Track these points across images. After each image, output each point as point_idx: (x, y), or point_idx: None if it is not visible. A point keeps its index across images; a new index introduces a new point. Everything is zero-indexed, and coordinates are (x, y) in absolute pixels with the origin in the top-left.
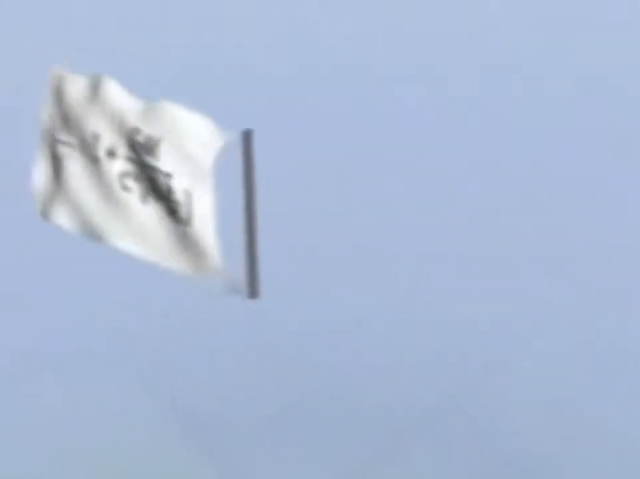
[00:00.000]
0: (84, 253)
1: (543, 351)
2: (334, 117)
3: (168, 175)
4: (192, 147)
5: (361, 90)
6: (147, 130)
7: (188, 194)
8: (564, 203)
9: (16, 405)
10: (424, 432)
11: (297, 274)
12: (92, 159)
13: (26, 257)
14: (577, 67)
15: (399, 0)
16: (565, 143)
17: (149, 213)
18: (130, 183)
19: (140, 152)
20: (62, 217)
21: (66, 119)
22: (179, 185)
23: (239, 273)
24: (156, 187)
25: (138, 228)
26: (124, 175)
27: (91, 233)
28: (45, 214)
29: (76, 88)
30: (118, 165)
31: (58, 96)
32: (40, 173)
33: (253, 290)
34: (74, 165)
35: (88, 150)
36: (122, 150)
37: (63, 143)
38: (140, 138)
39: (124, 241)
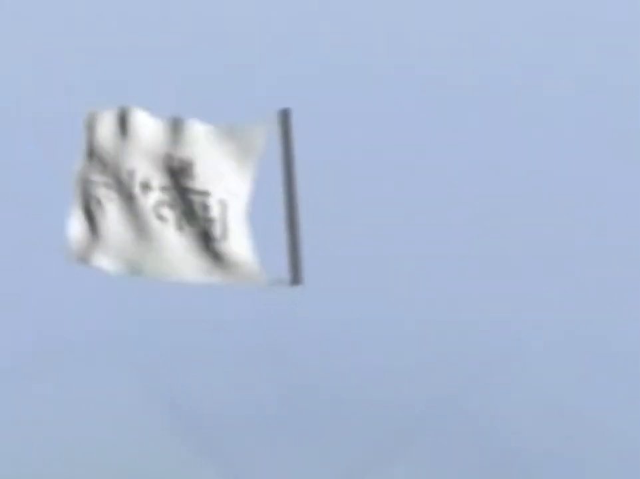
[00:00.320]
0: None
1: (543, 351)
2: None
3: (205, 193)
4: (226, 161)
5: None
6: (179, 153)
7: (224, 206)
8: (564, 203)
9: (16, 405)
10: (424, 432)
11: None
12: (128, 197)
13: (26, 257)
14: (577, 67)
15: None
16: (565, 143)
17: (186, 239)
18: (165, 212)
19: (175, 177)
20: (99, 261)
21: (101, 159)
22: (215, 201)
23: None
24: (191, 210)
25: (175, 256)
26: (159, 205)
27: (130, 270)
28: (82, 261)
29: (106, 125)
30: (153, 197)
31: (91, 136)
32: (75, 222)
33: (295, 276)
34: (111, 206)
35: (124, 188)
36: (157, 180)
37: (99, 184)
38: (174, 163)
39: (163, 271)
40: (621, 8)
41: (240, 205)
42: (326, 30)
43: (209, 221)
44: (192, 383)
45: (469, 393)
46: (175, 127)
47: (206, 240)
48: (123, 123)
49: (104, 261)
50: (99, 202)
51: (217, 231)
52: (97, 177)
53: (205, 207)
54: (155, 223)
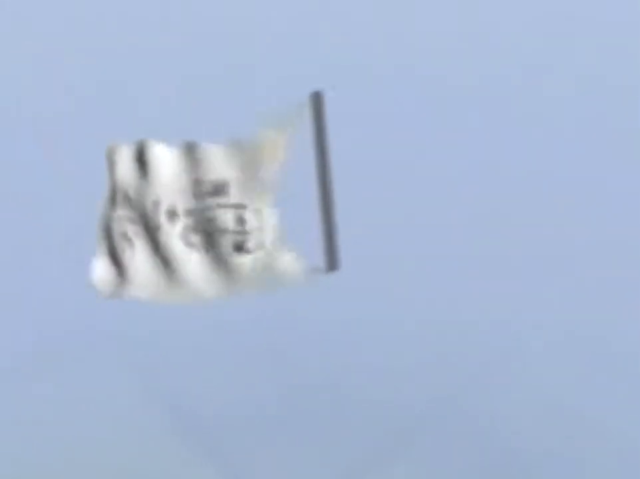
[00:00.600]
0: (84, 253)
1: (543, 351)
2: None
3: (240, 206)
4: (259, 169)
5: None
6: (209, 177)
7: (259, 213)
8: (564, 203)
9: (16, 405)
10: (424, 432)
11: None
12: (155, 228)
13: (26, 257)
14: (577, 68)
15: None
16: (564, 143)
17: (213, 259)
18: (193, 237)
19: (206, 199)
20: (130, 293)
21: (125, 194)
22: (251, 213)
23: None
24: (221, 227)
25: (207, 278)
26: (186, 230)
27: (162, 299)
28: (113, 295)
29: (125, 160)
30: (180, 224)
31: (113, 172)
32: (101, 262)
33: (332, 262)
34: (137, 241)
35: (149, 220)
36: (182, 205)
37: (124, 220)
38: (205, 187)
39: (196, 295)
40: (621, 8)
41: (274, 207)
42: (326, 30)
43: (244, 233)
44: (192, 383)
45: (469, 393)
46: (194, 152)
47: (239, 253)
48: (141, 157)
49: (133, 294)
50: (126, 238)
51: (252, 242)
52: (122, 213)
53: (241, 220)
54: (182, 249)
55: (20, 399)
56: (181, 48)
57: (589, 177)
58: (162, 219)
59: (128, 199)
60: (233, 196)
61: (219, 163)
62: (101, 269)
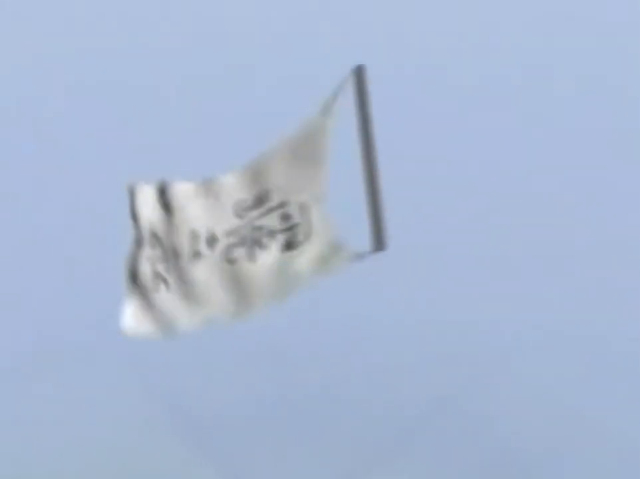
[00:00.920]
0: (82, 253)
1: (543, 351)
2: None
3: (283, 204)
4: (296, 168)
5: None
6: (251, 193)
7: (304, 207)
8: (564, 203)
9: (16, 405)
10: (424, 432)
11: None
12: (194, 257)
13: (26, 258)
14: (578, 68)
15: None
16: (564, 143)
17: (262, 266)
18: (235, 252)
19: (248, 213)
20: (160, 331)
21: (153, 234)
22: (295, 207)
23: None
24: (268, 231)
25: (258, 287)
26: (227, 249)
27: (210, 321)
28: (146, 337)
29: (149, 200)
30: (220, 246)
31: (137, 213)
32: (131, 308)
33: (379, 243)
34: (171, 276)
35: (183, 253)
36: (221, 228)
37: (155, 259)
38: (247, 203)
39: (243, 310)
40: (622, 8)
41: (321, 198)
42: (326, 30)
43: (291, 229)
44: (192, 383)
45: (469, 393)
46: (217, 182)
47: (289, 250)
48: (163, 196)
49: (167, 330)
50: (158, 277)
51: (300, 235)
52: (152, 253)
53: (286, 217)
54: (227, 269)
55: (20, 399)
56: (181, 48)
57: (590, 178)
58: (202, 247)
59: (156, 239)
60: (275, 198)
61: (252, 179)
62: (132, 314)
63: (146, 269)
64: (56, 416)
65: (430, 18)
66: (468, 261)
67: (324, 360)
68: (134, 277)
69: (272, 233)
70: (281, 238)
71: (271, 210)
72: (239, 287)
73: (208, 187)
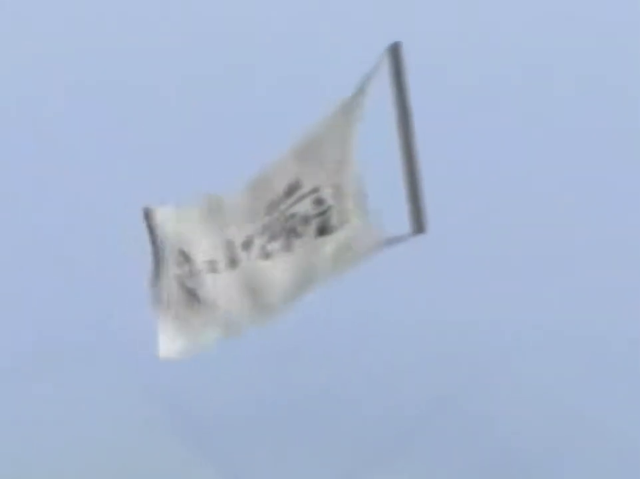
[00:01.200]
0: (82, 253)
1: (543, 351)
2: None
3: (314, 189)
4: (332, 150)
5: None
6: (282, 185)
7: (337, 189)
8: (564, 203)
9: (16, 405)
10: (424, 432)
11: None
12: (231, 265)
13: (25, 257)
14: (578, 66)
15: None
16: (563, 143)
17: (299, 254)
18: (270, 246)
19: (280, 205)
20: (199, 345)
21: (179, 252)
22: (327, 191)
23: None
24: (301, 218)
25: (296, 277)
26: (263, 246)
27: (254, 323)
28: (185, 356)
29: (168, 220)
30: (256, 245)
31: (157, 236)
32: (165, 333)
33: (418, 225)
34: (201, 291)
35: (222, 261)
36: (255, 228)
37: (183, 277)
38: (277, 196)
39: (288, 304)
40: (623, 8)
41: (353, 180)
42: (326, 30)
43: (325, 213)
44: (192, 383)
45: (469, 393)
46: (257, 182)
47: (324, 236)
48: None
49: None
50: (189, 292)
51: (335, 218)
52: (179, 271)
53: (319, 201)
54: (264, 267)
55: (20, 399)
56: (181, 48)
57: (589, 177)
58: (239, 252)
59: (184, 256)
60: (307, 185)
61: (282, 172)
62: (167, 339)
63: (172, 289)
64: (56, 416)
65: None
66: (468, 261)
67: (324, 360)
68: (159, 298)
69: (306, 219)
70: (315, 223)
71: (303, 197)
72: (277, 282)
73: (238, 194)
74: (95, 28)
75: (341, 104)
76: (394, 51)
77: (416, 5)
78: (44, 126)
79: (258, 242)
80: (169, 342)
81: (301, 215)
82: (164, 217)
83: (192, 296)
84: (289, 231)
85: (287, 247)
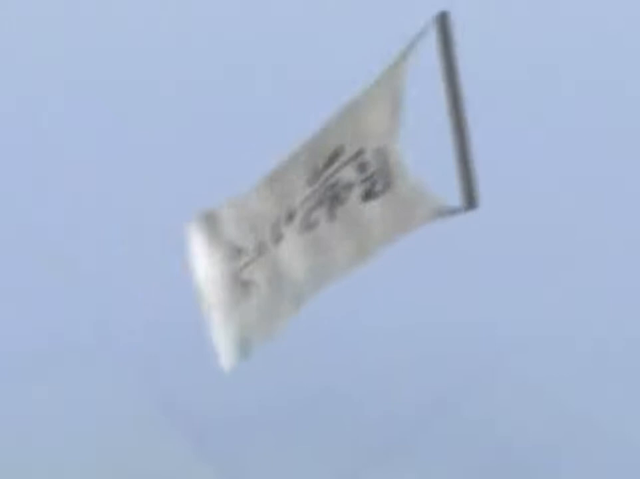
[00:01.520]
0: (82, 253)
1: (543, 351)
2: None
3: (358, 153)
4: (375, 113)
5: None
6: (324, 154)
7: (381, 153)
8: (564, 202)
9: (16, 405)
10: (424, 432)
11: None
12: (277, 241)
13: (25, 257)
14: (582, 68)
15: None
16: (564, 143)
17: (343, 222)
18: (314, 215)
19: (322, 175)
20: (262, 338)
21: (232, 248)
22: (371, 155)
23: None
24: (344, 185)
25: (341, 247)
26: (305, 216)
27: (301, 303)
28: (248, 357)
29: (226, 217)
30: (298, 217)
31: (213, 236)
32: (223, 328)
33: (470, 201)
34: (261, 274)
35: (270, 240)
36: (298, 200)
37: (241, 269)
38: (320, 165)
39: (335, 275)
40: (625, 8)
41: (397, 142)
42: (327, 30)
43: (369, 179)
44: (192, 383)
45: (469, 394)
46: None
47: (370, 200)
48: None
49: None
50: (245, 285)
51: (379, 184)
52: (232, 266)
53: (362, 167)
54: (309, 236)
55: (20, 399)
56: (181, 48)
57: (590, 177)
58: (282, 227)
59: (237, 250)
60: (349, 150)
61: (324, 139)
62: (226, 346)
63: (224, 289)
64: (56, 416)
65: None
66: (467, 262)
67: (324, 360)
68: (211, 306)
69: (349, 186)
70: (359, 189)
71: (345, 163)
72: (322, 252)
73: (277, 174)
74: (95, 28)
75: (385, 71)
76: (442, 20)
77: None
78: (45, 126)
79: (301, 212)
80: (232, 350)
81: (344, 182)
82: (203, 226)
83: (249, 286)
84: (331, 199)
85: (331, 216)
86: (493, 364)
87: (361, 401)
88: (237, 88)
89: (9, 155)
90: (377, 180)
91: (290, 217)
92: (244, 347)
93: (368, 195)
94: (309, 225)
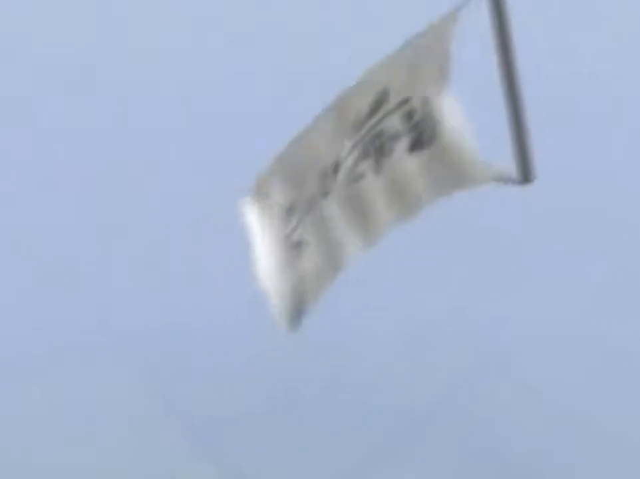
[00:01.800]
0: (82, 252)
1: (544, 351)
2: None
3: (405, 101)
4: (418, 60)
5: None
6: (368, 100)
7: (427, 101)
8: (563, 202)
9: (15, 405)
10: (424, 433)
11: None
12: (324, 196)
13: (25, 257)
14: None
15: None
16: (562, 141)
17: (391, 175)
18: (359, 167)
19: (366, 123)
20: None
21: (286, 208)
22: (417, 102)
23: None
24: (389, 135)
25: (388, 201)
26: (351, 168)
27: (352, 259)
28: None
29: (276, 180)
30: (344, 168)
31: (263, 200)
32: (281, 290)
33: (526, 174)
34: (308, 234)
35: (318, 194)
36: (343, 151)
37: (292, 231)
38: (364, 112)
39: (380, 232)
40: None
41: (446, 92)
42: (327, 29)
43: (415, 129)
44: (192, 383)
45: (469, 393)
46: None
47: (416, 153)
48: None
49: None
50: (297, 246)
51: (426, 134)
52: (287, 230)
53: (409, 115)
54: (356, 189)
55: (20, 399)
56: (181, 48)
57: (589, 176)
58: (329, 180)
59: (289, 211)
60: (395, 98)
61: (367, 86)
62: (285, 312)
63: (279, 254)
64: (56, 416)
65: None
66: (466, 260)
67: (324, 359)
68: (268, 275)
69: (395, 136)
70: (405, 140)
71: (390, 112)
72: (368, 206)
73: (318, 124)
74: (95, 28)
75: (435, 23)
76: None
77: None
78: (44, 125)
79: (347, 164)
80: (289, 315)
81: (389, 133)
82: (263, 183)
83: (301, 246)
84: (377, 150)
85: (377, 169)
86: (495, 364)
87: (363, 400)
88: (237, 88)
89: (9, 155)
90: (424, 130)
91: (336, 169)
92: (300, 311)
93: (415, 146)
94: (355, 178)
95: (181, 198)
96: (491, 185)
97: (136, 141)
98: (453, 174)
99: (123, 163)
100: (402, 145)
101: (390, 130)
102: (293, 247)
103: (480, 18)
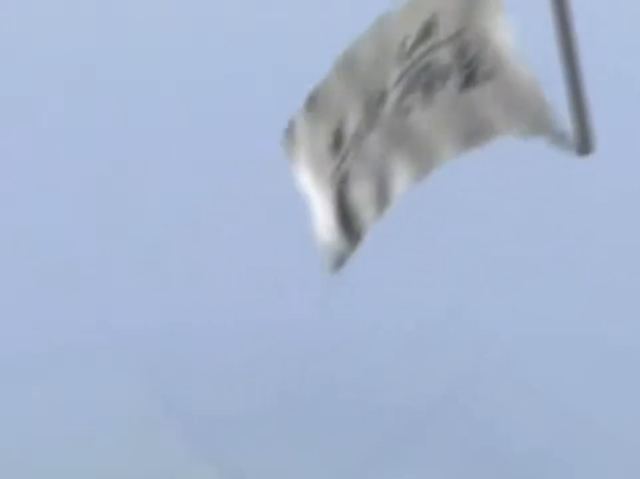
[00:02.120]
0: (82, 252)
1: (544, 351)
2: None
3: (456, 34)
4: None
5: None
6: (416, 25)
7: (480, 37)
8: (564, 202)
9: (15, 405)
10: (424, 433)
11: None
12: (369, 127)
13: (25, 257)
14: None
15: None
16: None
17: (443, 109)
18: (407, 100)
19: (414, 52)
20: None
21: (333, 134)
22: (471, 35)
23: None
24: (437, 71)
25: (436, 137)
26: (398, 100)
27: (399, 193)
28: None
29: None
30: (391, 99)
31: (305, 138)
32: (331, 227)
33: (585, 143)
34: (352, 168)
35: (364, 125)
36: (389, 80)
37: (341, 164)
38: (413, 39)
39: (428, 168)
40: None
41: (504, 25)
42: (328, 29)
43: (469, 65)
44: (192, 382)
45: (469, 393)
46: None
47: (471, 88)
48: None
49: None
50: (345, 180)
51: (481, 69)
52: (333, 167)
53: (462, 50)
54: (400, 122)
55: (20, 399)
56: (181, 49)
57: (589, 175)
58: (374, 114)
59: (334, 145)
60: (445, 29)
61: (412, 12)
62: (330, 251)
63: (327, 191)
64: (56, 416)
65: None
66: (465, 259)
67: (325, 359)
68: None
69: (446, 71)
70: (458, 76)
71: (441, 44)
72: (415, 142)
73: (361, 45)
74: (95, 28)
75: None
76: None
77: None
78: (44, 126)
79: (394, 94)
80: (337, 249)
81: (438, 66)
82: (304, 121)
83: (347, 181)
84: (425, 83)
85: (425, 104)
86: (496, 364)
87: (364, 400)
88: (237, 88)
89: (9, 155)
90: (479, 66)
91: (381, 100)
92: (347, 247)
93: (468, 83)
94: (402, 110)
95: (181, 198)
96: (547, 146)
97: (136, 141)
98: (509, 114)
99: (123, 163)
100: (454, 81)
101: (439, 63)
102: (340, 182)
103: None
